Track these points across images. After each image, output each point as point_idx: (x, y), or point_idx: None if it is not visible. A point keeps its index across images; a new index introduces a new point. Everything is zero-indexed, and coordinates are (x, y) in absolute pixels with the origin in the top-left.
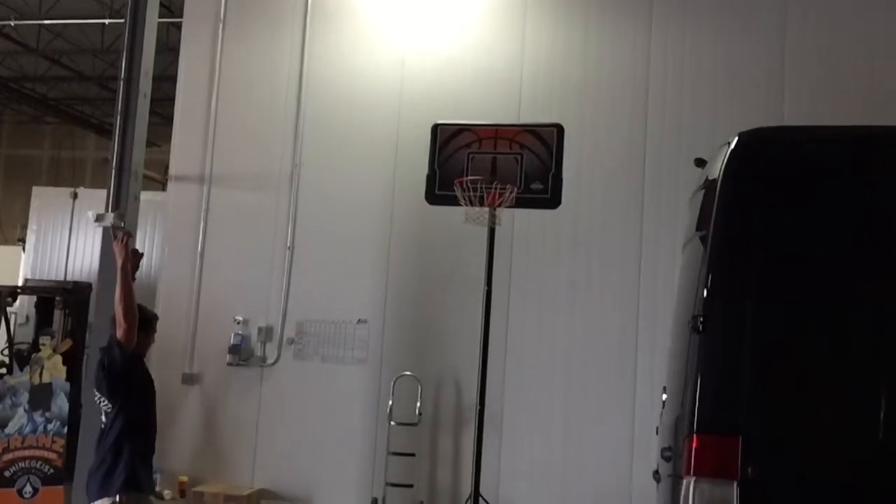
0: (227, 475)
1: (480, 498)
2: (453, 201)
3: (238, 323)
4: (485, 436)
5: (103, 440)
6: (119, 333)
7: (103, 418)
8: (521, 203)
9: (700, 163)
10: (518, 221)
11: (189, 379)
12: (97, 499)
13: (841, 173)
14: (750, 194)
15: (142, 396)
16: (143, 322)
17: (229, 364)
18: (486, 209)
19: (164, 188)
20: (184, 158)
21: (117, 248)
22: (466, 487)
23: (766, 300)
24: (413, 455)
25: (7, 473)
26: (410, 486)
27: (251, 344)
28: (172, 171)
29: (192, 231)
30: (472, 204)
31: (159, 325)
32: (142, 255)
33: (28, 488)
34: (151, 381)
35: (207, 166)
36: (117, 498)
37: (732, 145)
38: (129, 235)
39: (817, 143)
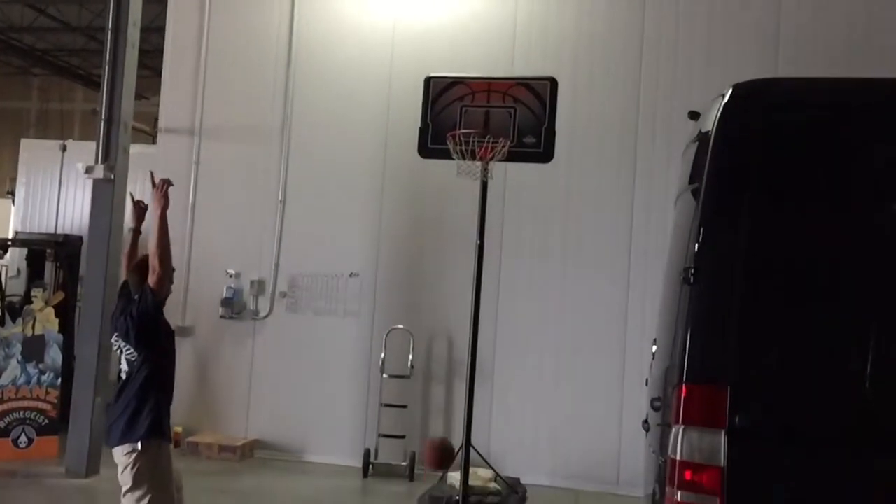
0: (221, 426)
1: (472, 448)
2: (446, 155)
3: (230, 276)
4: (476, 387)
5: (127, 388)
6: (153, 281)
7: (124, 367)
8: (513, 157)
9: (694, 115)
10: (510, 175)
11: (182, 332)
12: (119, 444)
13: (836, 125)
14: (743, 147)
15: (166, 345)
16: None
17: (222, 317)
18: (479, 163)
19: (153, 141)
20: (173, 110)
21: (158, 196)
22: (457, 438)
23: (757, 252)
24: (405, 407)
25: (2, 424)
26: (402, 437)
27: (244, 297)
28: (162, 123)
29: (182, 184)
30: (464, 157)
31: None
32: (144, 206)
33: (23, 438)
34: (172, 332)
35: (197, 119)
36: (139, 445)
37: (727, 97)
38: (170, 183)
39: (812, 95)
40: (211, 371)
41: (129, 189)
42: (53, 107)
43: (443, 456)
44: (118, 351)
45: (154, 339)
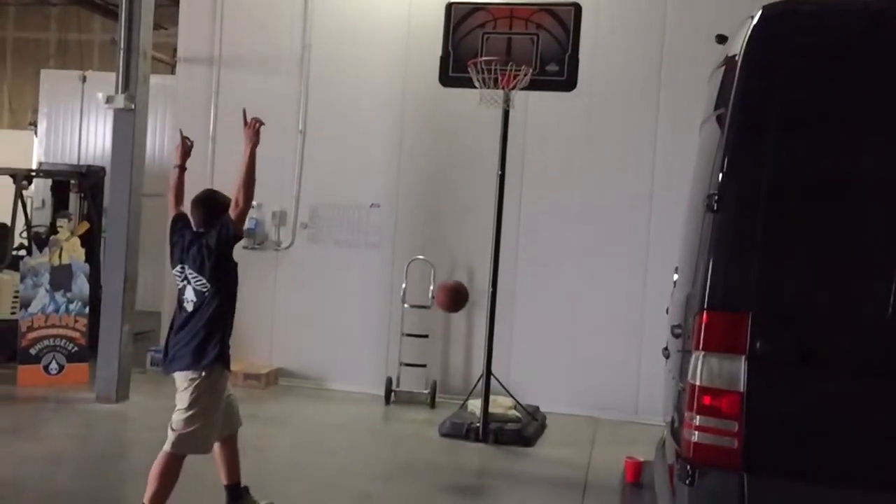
0: (246, 355)
1: (492, 377)
2: (467, 83)
3: (252, 207)
4: (496, 317)
5: (195, 317)
6: (235, 215)
7: (191, 297)
8: (536, 85)
9: (721, 39)
10: (532, 104)
11: None
12: (185, 370)
13: (871, 49)
14: (772, 71)
15: (235, 278)
16: (224, 207)
17: (244, 248)
18: (501, 91)
19: (172, 71)
20: (192, 39)
21: (250, 134)
22: (478, 367)
23: (783, 179)
24: (426, 336)
25: (33, 351)
26: (424, 365)
27: (265, 228)
28: (181, 52)
29: (202, 115)
30: (486, 86)
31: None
32: (191, 143)
33: (54, 365)
34: (236, 265)
35: (216, 48)
36: (203, 373)
37: (755, 19)
38: (262, 122)
39: (846, 17)
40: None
41: (149, 119)
42: (72, 37)
43: (456, 298)
44: (184, 282)
45: (227, 271)
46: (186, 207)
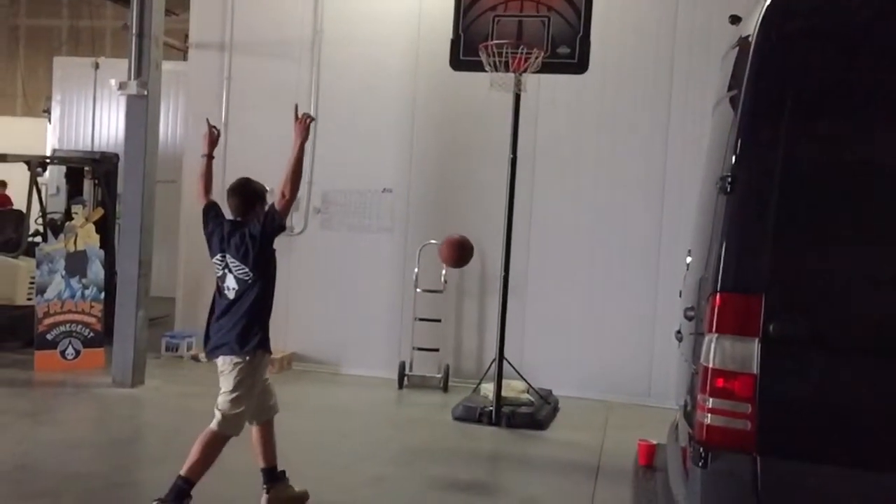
0: None
1: (505, 360)
2: (478, 67)
3: (266, 191)
4: (509, 301)
5: (237, 305)
6: (280, 206)
7: (232, 284)
8: (547, 68)
9: (735, 20)
10: (544, 87)
11: None
12: (230, 354)
13: (887, 30)
14: (786, 51)
15: (275, 265)
16: (262, 196)
17: None
18: (512, 74)
19: (184, 57)
20: (203, 25)
21: (300, 128)
22: (491, 351)
23: (796, 160)
24: (439, 321)
25: (49, 336)
26: (436, 349)
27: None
28: (192, 38)
29: (215, 100)
30: (497, 69)
31: (190, 195)
32: (217, 132)
33: (70, 350)
34: (274, 251)
35: (227, 34)
36: (246, 357)
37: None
38: (312, 118)
39: None
40: None
41: (161, 105)
42: (84, 24)
43: (461, 252)
44: (224, 270)
45: (269, 259)
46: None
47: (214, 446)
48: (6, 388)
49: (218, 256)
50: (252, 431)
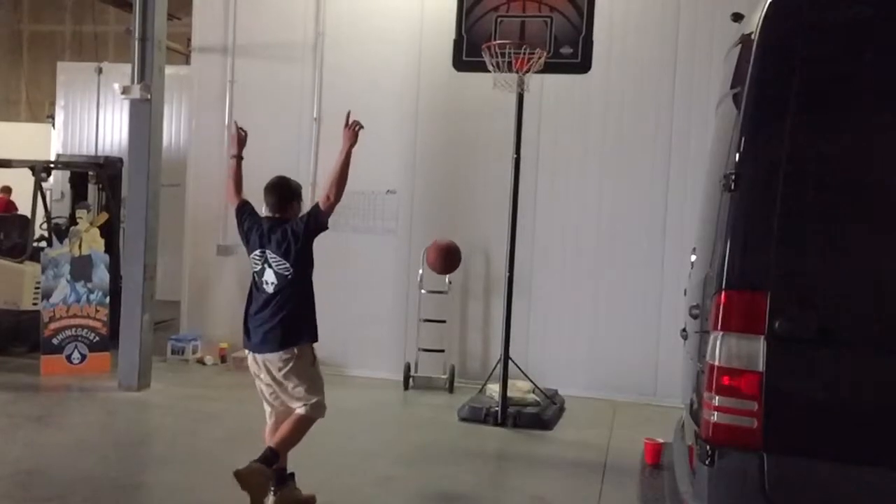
0: None
1: (510, 361)
2: (481, 67)
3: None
4: (514, 301)
5: (277, 298)
6: (325, 207)
7: (271, 279)
8: (550, 68)
9: (737, 17)
10: (547, 87)
11: (223, 250)
12: (279, 350)
13: (891, 25)
14: (789, 48)
15: (313, 262)
16: (298, 194)
17: None
18: (515, 75)
19: (187, 61)
20: (206, 29)
21: (349, 134)
22: (496, 352)
23: (800, 157)
24: (444, 322)
25: (55, 341)
26: (442, 351)
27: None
28: (195, 42)
29: (218, 104)
30: (500, 69)
31: (194, 198)
32: (245, 133)
33: (76, 354)
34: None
35: (230, 37)
36: (295, 350)
37: None
38: (362, 126)
39: None
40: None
41: (165, 109)
42: (87, 29)
43: (448, 258)
44: (263, 265)
45: (309, 256)
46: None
47: (303, 429)
48: (13, 392)
49: (257, 252)
50: (272, 421)
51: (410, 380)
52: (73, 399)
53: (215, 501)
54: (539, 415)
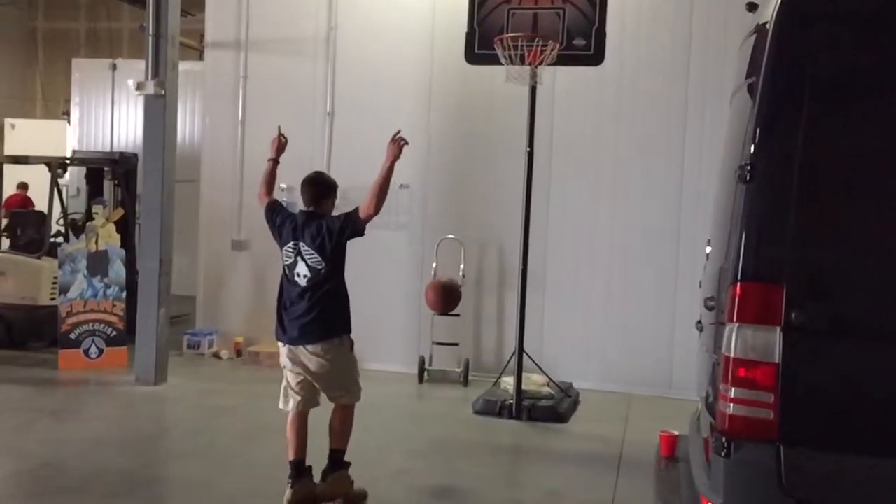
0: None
1: (524, 354)
2: (493, 60)
3: (282, 190)
4: (528, 294)
5: (311, 291)
6: (364, 215)
7: (303, 271)
8: (563, 60)
9: (752, 7)
10: (560, 79)
11: (238, 245)
12: (317, 343)
13: None
14: (804, 38)
15: (345, 258)
16: (334, 189)
17: None
18: (528, 67)
19: (201, 57)
20: (219, 24)
21: (394, 148)
22: (510, 345)
23: (816, 148)
24: (458, 315)
25: (73, 335)
26: (456, 344)
27: (295, 210)
28: (208, 37)
29: (231, 99)
30: (512, 62)
31: (209, 194)
32: (285, 140)
33: (93, 349)
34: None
35: (243, 32)
36: (335, 342)
37: None
38: (406, 142)
39: None
40: (268, 284)
41: (179, 105)
42: (102, 26)
43: (446, 297)
44: (296, 257)
45: (343, 254)
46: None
47: (350, 416)
48: (31, 386)
49: (290, 245)
50: (292, 416)
51: (425, 373)
52: (90, 393)
53: (232, 495)
54: (554, 408)
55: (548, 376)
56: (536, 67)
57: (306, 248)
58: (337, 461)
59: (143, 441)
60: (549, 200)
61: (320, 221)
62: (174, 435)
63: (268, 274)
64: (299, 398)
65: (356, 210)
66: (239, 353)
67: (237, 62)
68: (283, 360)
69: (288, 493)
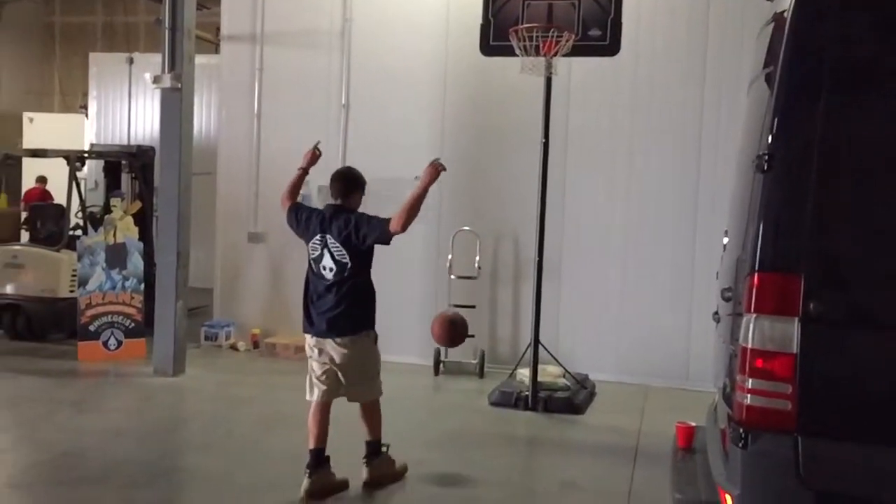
0: (296, 328)
1: (540, 346)
2: (509, 51)
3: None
4: (543, 286)
5: (337, 286)
6: (392, 228)
7: (329, 264)
8: (578, 51)
9: None
10: (575, 70)
11: (254, 237)
12: (343, 336)
13: None
14: (822, 26)
15: (372, 257)
16: (362, 184)
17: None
18: (543, 58)
19: (216, 50)
20: (235, 17)
21: (431, 172)
22: (526, 336)
23: (834, 137)
24: (474, 307)
25: (92, 327)
26: (472, 336)
27: (312, 202)
28: (224, 30)
29: (247, 92)
30: (527, 53)
31: (225, 187)
32: (319, 154)
33: (112, 340)
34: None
35: (258, 25)
36: (361, 334)
37: None
38: (444, 168)
39: None
40: (284, 276)
41: (195, 98)
42: (118, 20)
43: (452, 331)
44: (323, 250)
45: (371, 253)
46: None
47: (377, 409)
48: (51, 378)
49: (317, 237)
50: (316, 406)
51: (440, 365)
52: (109, 384)
53: (251, 485)
54: (570, 399)
55: (564, 368)
56: (552, 58)
57: (333, 241)
58: (375, 449)
59: (162, 432)
60: (564, 191)
61: (348, 216)
62: (192, 426)
63: (284, 266)
64: (324, 388)
65: (388, 220)
66: (256, 345)
67: (253, 55)
68: (310, 350)
69: (306, 482)
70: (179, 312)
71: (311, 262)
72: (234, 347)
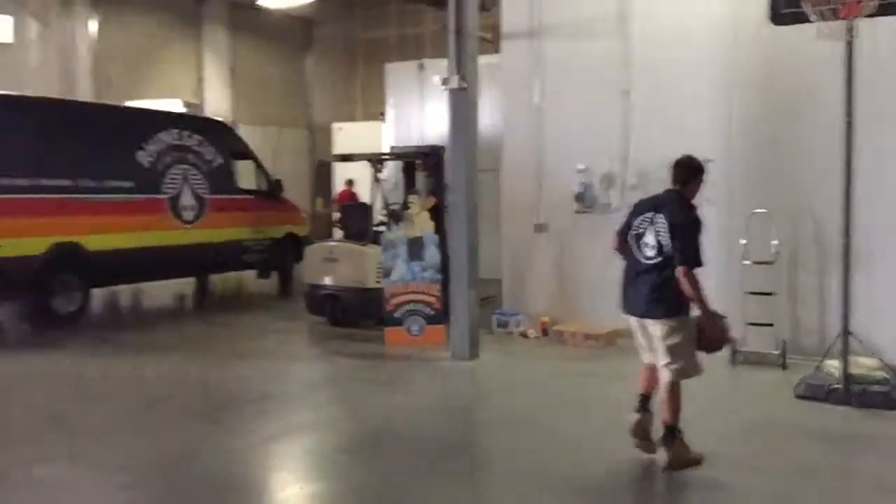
0: (579, 315)
1: (850, 335)
2: (802, 18)
3: (580, 172)
4: (852, 271)
5: (657, 269)
6: (679, 273)
7: (651, 241)
8: (885, 9)
9: None
10: (881, 33)
11: (539, 228)
12: (661, 318)
13: None
14: None
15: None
16: (701, 171)
17: (576, 212)
18: (841, 22)
19: (495, 50)
20: (514, 15)
21: (709, 322)
22: (833, 326)
23: None
24: (772, 294)
25: (397, 315)
26: (770, 325)
27: (594, 191)
28: (504, 28)
29: (527, 87)
30: (824, 18)
31: (509, 182)
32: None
33: (415, 327)
34: None
35: (536, 19)
36: (679, 318)
37: None
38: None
39: None
40: (568, 264)
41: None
42: (408, 31)
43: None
44: (649, 225)
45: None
46: None
47: (677, 392)
48: (364, 360)
49: (647, 214)
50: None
51: (736, 354)
52: (413, 367)
53: (551, 464)
54: (889, 394)
55: (881, 359)
56: (853, 20)
57: (660, 220)
58: (670, 433)
59: (461, 411)
60: (871, 166)
61: (682, 204)
62: (488, 406)
63: (566, 256)
64: (649, 353)
65: (689, 259)
66: (545, 332)
67: (531, 50)
68: (632, 325)
69: (633, 417)
70: (472, 300)
71: (633, 238)
72: (524, 335)
